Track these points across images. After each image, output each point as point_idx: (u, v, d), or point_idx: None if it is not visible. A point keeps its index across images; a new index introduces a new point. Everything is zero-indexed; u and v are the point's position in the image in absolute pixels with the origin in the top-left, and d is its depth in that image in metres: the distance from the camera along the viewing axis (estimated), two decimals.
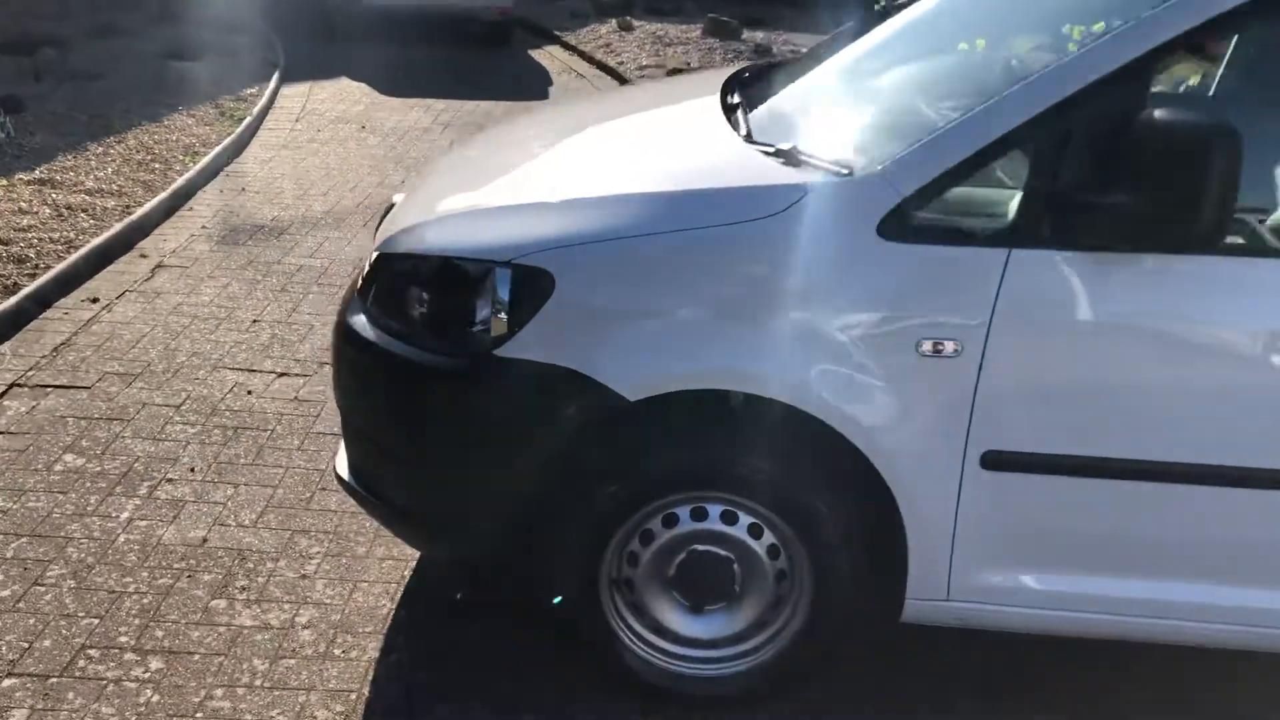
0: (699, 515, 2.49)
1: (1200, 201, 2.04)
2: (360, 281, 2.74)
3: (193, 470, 3.56)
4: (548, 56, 12.04)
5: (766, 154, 2.56)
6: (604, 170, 2.78)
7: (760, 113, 2.93)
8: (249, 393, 4.09)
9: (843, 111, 2.94)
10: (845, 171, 2.37)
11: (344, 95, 9.51)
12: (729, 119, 2.89)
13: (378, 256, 2.68)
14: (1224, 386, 2.30)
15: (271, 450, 3.71)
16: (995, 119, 2.25)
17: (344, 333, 2.68)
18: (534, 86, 10.36)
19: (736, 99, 3.08)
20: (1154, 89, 2.33)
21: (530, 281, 2.38)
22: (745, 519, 2.49)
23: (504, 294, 2.40)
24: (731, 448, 2.43)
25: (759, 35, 12.14)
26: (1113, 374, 2.29)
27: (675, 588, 2.56)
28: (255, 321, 4.73)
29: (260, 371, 4.26)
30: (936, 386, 2.31)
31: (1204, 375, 2.30)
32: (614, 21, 12.77)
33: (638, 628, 2.61)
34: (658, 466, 2.45)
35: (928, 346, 2.29)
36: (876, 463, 2.36)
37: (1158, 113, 2.10)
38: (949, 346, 2.28)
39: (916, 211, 2.27)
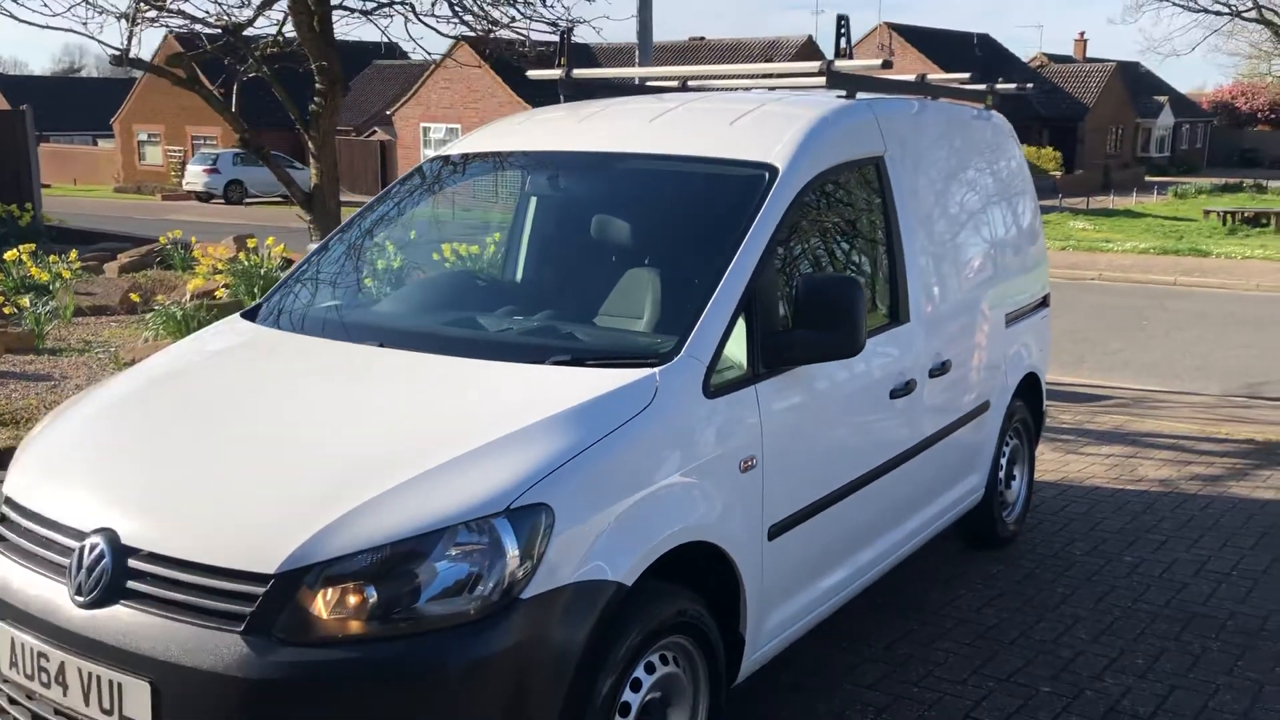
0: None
1: (853, 324, 3.28)
2: (254, 616, 2.51)
3: None
4: None
5: (554, 365, 3.17)
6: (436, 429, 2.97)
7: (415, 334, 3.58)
8: None
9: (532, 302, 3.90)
10: (651, 361, 3.13)
11: None
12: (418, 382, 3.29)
13: (291, 574, 2.52)
14: (861, 423, 3.89)
15: None
16: (729, 290, 3.26)
17: (271, 691, 2.48)
18: None
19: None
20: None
21: (527, 519, 2.65)
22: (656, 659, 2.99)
23: (512, 540, 2.61)
24: (682, 595, 3.03)
25: None
26: (816, 437, 3.60)
27: None
28: None
29: None
30: (748, 491, 3.27)
31: (847, 419, 3.81)
32: None
33: None
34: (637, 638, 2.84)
35: (743, 465, 3.24)
36: (737, 561, 3.21)
37: (813, 276, 3.45)
38: (753, 461, 3.28)
39: (713, 371, 3.18)
